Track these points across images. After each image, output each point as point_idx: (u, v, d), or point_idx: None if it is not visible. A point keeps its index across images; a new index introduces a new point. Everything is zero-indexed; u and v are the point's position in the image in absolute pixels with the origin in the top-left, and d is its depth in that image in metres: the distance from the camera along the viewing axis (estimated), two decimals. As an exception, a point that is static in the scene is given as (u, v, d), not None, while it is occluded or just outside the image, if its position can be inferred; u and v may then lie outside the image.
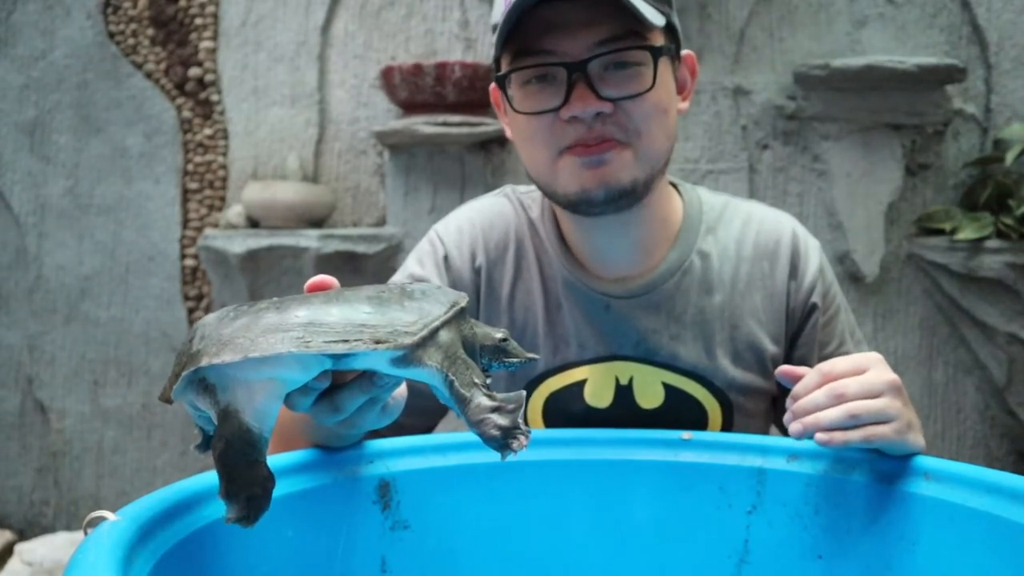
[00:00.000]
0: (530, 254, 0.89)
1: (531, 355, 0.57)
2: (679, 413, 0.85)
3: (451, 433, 0.70)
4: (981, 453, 2.13)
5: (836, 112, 2.04)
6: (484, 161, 2.15)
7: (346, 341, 0.46)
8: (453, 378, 0.48)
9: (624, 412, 0.85)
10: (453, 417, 0.52)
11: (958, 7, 2.09)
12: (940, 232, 2.01)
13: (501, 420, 0.46)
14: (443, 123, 2.02)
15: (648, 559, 0.68)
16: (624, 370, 0.85)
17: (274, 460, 0.60)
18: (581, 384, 0.85)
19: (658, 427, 0.83)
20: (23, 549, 2.06)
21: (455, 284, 0.89)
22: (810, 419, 0.64)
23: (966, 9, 2.09)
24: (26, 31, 2.30)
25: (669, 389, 0.85)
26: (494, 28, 0.80)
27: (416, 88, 2.02)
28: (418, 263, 0.91)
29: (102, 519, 0.47)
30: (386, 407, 0.59)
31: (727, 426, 0.86)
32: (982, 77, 2.10)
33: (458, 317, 0.52)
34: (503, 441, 0.46)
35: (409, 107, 2.08)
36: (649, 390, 0.85)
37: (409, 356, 0.48)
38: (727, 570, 0.67)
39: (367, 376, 0.53)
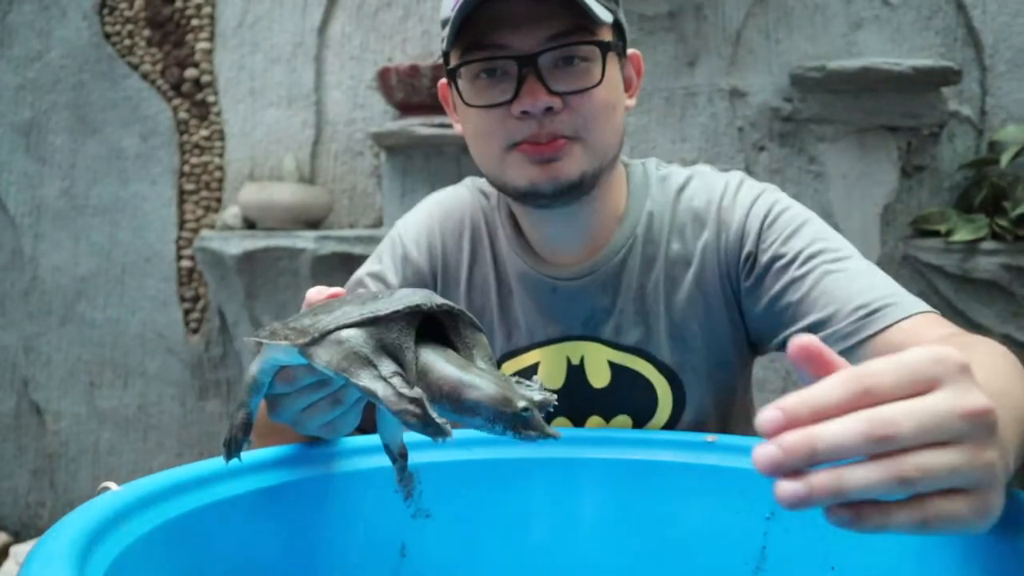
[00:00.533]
0: (485, 240, 0.91)
1: (551, 431, 0.47)
2: (628, 391, 0.85)
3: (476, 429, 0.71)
4: (976, 454, 2.13)
5: (832, 114, 2.04)
6: (481, 162, 2.15)
7: (270, 336, 0.54)
8: (347, 375, 0.49)
9: (576, 392, 0.85)
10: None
11: (953, 9, 2.10)
12: (935, 234, 2.02)
13: (415, 409, 0.46)
14: (440, 124, 2.02)
15: (666, 560, 0.68)
16: (575, 350, 0.86)
17: (299, 448, 0.64)
18: (534, 368, 0.86)
19: (608, 405, 0.85)
20: (19, 551, 2.05)
21: (413, 278, 0.91)
22: (824, 480, 0.36)
23: (961, 11, 2.09)
24: (22, 32, 2.29)
25: (615, 368, 0.85)
26: (444, 23, 0.80)
27: (413, 89, 2.02)
28: (377, 259, 0.94)
29: (107, 489, 0.51)
30: (350, 411, 0.62)
31: (679, 403, 0.85)
32: (977, 79, 2.10)
33: (379, 323, 0.51)
34: (424, 428, 0.46)
35: (405, 108, 2.08)
36: (599, 368, 0.85)
37: (304, 353, 0.51)
38: (744, 576, 0.66)
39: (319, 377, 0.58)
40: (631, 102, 0.86)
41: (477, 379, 0.48)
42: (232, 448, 0.57)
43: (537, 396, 0.47)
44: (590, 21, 0.76)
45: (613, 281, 0.85)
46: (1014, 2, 2.07)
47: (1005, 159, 1.91)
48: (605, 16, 0.76)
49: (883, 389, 0.37)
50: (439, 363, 0.50)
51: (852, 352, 0.72)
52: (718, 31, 2.13)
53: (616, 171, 0.87)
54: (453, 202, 0.94)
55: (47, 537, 0.44)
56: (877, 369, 0.38)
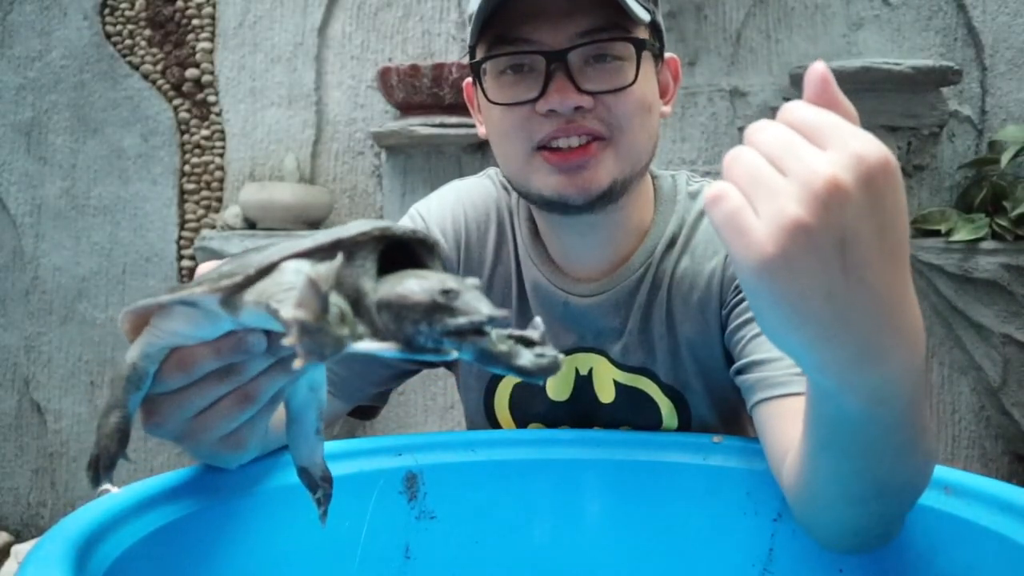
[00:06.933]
0: (509, 239, 0.87)
1: (497, 312, 0.39)
2: (632, 408, 0.84)
3: (481, 431, 0.71)
4: (976, 454, 2.14)
5: (832, 114, 2.04)
6: (481, 162, 2.15)
7: (172, 292, 0.43)
8: (277, 306, 0.37)
9: (583, 405, 0.84)
10: (460, 412, 0.52)
11: (953, 9, 2.10)
12: (936, 233, 2.02)
13: (313, 346, 0.35)
14: (440, 124, 2.02)
15: (672, 562, 0.68)
16: (584, 361, 0.84)
17: None
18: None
19: (612, 419, 0.83)
20: (20, 551, 2.05)
21: None
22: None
23: (961, 11, 2.10)
24: (23, 32, 2.30)
25: (620, 387, 0.84)
26: (469, 18, 0.76)
27: (413, 89, 2.02)
28: None
29: (106, 491, 0.49)
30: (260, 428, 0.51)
31: (684, 421, 0.84)
32: (977, 79, 2.10)
33: (341, 250, 0.39)
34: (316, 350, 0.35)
35: (406, 108, 2.09)
36: (605, 384, 0.84)
37: (229, 304, 0.40)
38: (751, 578, 0.65)
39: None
40: (667, 109, 0.82)
41: (411, 279, 0.38)
42: (102, 466, 0.42)
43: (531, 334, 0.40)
44: (626, 18, 0.72)
45: (626, 301, 0.82)
46: (1014, 2, 2.08)
47: (1005, 159, 1.91)
48: (643, 15, 0.72)
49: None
50: (389, 282, 0.39)
51: (772, 403, 0.68)
52: (718, 31, 2.13)
53: (644, 182, 0.83)
54: (479, 192, 0.89)
55: (45, 540, 0.44)
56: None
